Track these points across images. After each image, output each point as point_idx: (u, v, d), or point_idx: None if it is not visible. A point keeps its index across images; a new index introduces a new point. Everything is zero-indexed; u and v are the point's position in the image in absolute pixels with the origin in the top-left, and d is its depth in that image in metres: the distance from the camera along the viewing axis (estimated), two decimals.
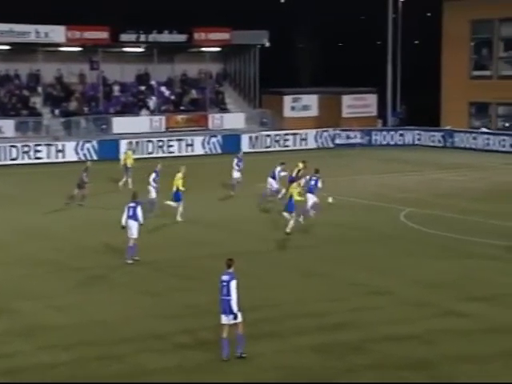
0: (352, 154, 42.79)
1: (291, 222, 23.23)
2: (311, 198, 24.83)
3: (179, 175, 25.66)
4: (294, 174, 27.47)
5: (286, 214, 23.40)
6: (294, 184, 24.20)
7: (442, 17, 48.77)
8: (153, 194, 26.57)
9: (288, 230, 23.24)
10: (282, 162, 28.80)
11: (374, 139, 47.51)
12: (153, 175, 26.77)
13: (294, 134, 46.65)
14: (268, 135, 46.21)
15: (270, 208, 27.33)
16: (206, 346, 14.78)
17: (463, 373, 13.56)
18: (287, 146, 45.79)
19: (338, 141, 47.18)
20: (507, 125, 46.26)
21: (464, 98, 46.97)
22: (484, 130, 45.76)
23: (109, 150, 41.10)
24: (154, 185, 26.62)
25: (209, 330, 15.45)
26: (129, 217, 20.42)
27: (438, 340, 15.01)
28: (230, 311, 13.94)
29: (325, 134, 47.18)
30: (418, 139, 47.23)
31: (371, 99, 50.63)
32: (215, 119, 47.27)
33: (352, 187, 32.21)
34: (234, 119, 47.62)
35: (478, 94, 46.22)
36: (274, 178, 28.27)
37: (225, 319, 14.04)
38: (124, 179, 31.63)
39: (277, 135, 46.42)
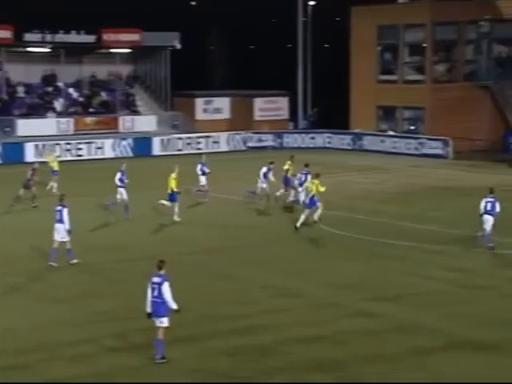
0: (264, 157, 43.14)
1: (319, 211, 24.75)
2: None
3: (173, 175, 25.48)
4: (284, 173, 28.83)
5: (307, 211, 24.76)
6: (311, 180, 25.63)
7: (350, 21, 49.82)
8: (124, 195, 26.31)
9: (316, 218, 24.77)
10: (271, 162, 29.19)
11: (286, 142, 48.10)
12: (118, 175, 26.43)
13: (206, 137, 46.70)
14: (180, 138, 46.08)
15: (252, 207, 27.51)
16: (118, 352, 14.67)
17: (373, 373, 13.95)
18: (199, 149, 45.72)
19: (250, 143, 47.53)
20: (412, 128, 47.74)
21: (372, 102, 48.16)
22: (391, 132, 47.08)
23: (13, 154, 40.03)
24: (119, 184, 26.28)
25: (120, 337, 15.33)
26: (56, 220, 20.38)
27: (348, 341, 15.39)
28: (161, 313, 13.86)
29: (237, 136, 47.44)
30: (329, 142, 48.14)
31: (283, 102, 51.24)
32: (126, 122, 46.76)
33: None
34: (145, 122, 47.25)
35: (385, 97, 47.47)
36: (264, 177, 28.60)
37: (157, 322, 13.99)
38: (52, 183, 31.04)
39: (189, 138, 46.35)
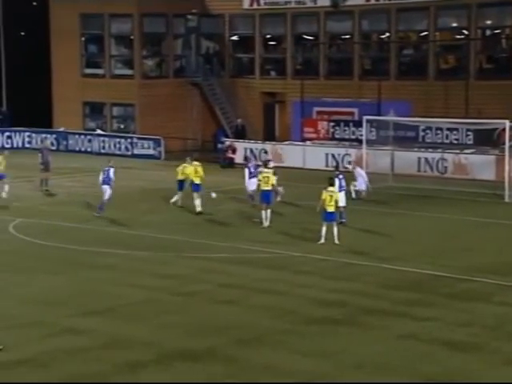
0: None
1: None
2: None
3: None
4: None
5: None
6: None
7: (48, 7, 48.72)
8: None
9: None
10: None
11: None
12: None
13: None
14: None
15: None
16: None
17: None
18: None
19: None
20: (122, 126, 48.13)
21: (77, 98, 47.68)
22: (99, 131, 47.03)
23: None
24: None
25: None
26: None
27: (53, 361, 15.15)
28: None
29: None
30: (29, 142, 46.85)
31: None
32: None
33: None
34: None
35: (91, 93, 47.27)
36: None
37: None
38: None
39: None
